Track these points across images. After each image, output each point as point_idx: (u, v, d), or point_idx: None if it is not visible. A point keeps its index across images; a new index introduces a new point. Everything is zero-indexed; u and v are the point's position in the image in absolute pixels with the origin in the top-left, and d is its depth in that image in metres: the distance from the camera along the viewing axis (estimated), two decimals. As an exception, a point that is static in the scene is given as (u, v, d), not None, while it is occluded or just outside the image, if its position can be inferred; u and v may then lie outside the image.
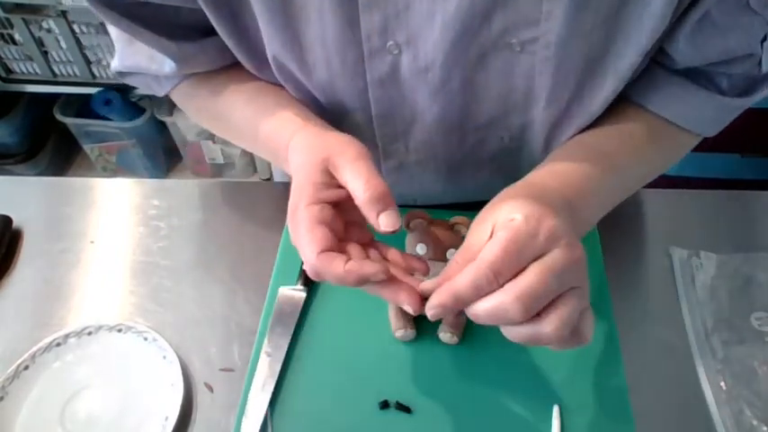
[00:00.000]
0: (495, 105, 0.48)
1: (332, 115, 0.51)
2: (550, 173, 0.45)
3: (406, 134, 0.52)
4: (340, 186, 0.40)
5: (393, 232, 0.38)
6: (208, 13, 0.44)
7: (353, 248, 0.40)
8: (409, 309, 0.38)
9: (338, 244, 0.39)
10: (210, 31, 0.47)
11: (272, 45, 0.45)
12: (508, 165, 0.56)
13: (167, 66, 0.50)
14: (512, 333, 0.36)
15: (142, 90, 0.56)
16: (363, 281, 0.37)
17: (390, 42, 0.43)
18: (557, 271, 0.34)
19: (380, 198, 0.38)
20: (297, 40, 0.44)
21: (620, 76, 0.46)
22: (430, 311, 0.37)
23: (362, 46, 0.43)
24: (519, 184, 0.43)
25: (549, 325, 0.34)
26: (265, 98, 0.51)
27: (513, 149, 0.53)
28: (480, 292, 0.34)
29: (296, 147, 0.44)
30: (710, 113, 0.50)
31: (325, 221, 0.38)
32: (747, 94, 0.48)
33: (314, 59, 0.45)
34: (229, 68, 0.53)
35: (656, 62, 0.49)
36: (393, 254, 0.41)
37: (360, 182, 0.38)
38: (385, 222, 0.38)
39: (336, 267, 0.37)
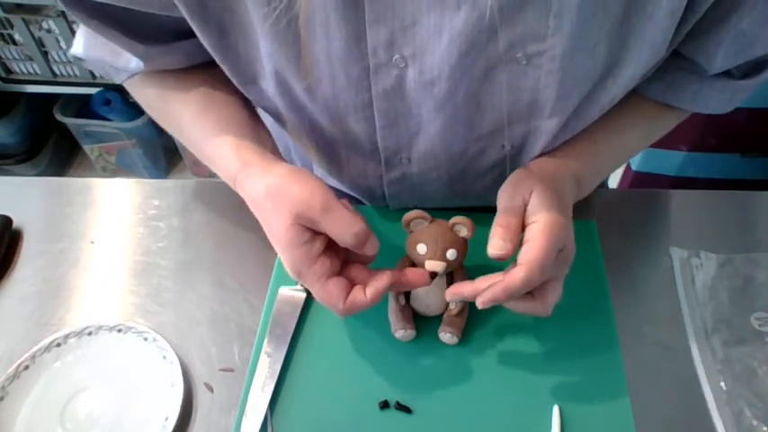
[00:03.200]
0: (499, 117, 0.48)
1: (334, 129, 0.51)
2: (569, 151, 0.52)
3: (410, 146, 0.52)
4: (320, 232, 0.44)
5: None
6: (194, 27, 0.44)
7: (357, 271, 0.46)
8: (424, 283, 0.48)
9: (347, 281, 0.45)
10: (183, 35, 0.47)
11: (275, 60, 0.44)
12: (508, 172, 0.56)
13: (133, 62, 0.50)
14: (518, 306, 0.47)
15: (102, 75, 0.56)
16: (384, 294, 0.45)
17: (396, 56, 0.43)
18: (562, 275, 0.47)
19: (363, 240, 0.43)
20: (301, 55, 0.44)
21: (621, 86, 0.46)
22: (481, 304, 0.45)
23: (368, 60, 0.43)
24: (545, 161, 0.51)
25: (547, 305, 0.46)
26: (208, 119, 0.51)
27: (513, 156, 0.54)
28: (529, 288, 0.44)
29: (249, 199, 0.46)
30: (727, 97, 0.53)
31: (330, 273, 0.44)
32: (752, 75, 0.51)
33: (318, 74, 0.45)
34: (180, 70, 0.52)
35: (682, 67, 0.51)
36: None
37: (342, 234, 0.43)
38: (369, 251, 0.45)
39: (362, 302, 0.44)
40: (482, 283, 0.46)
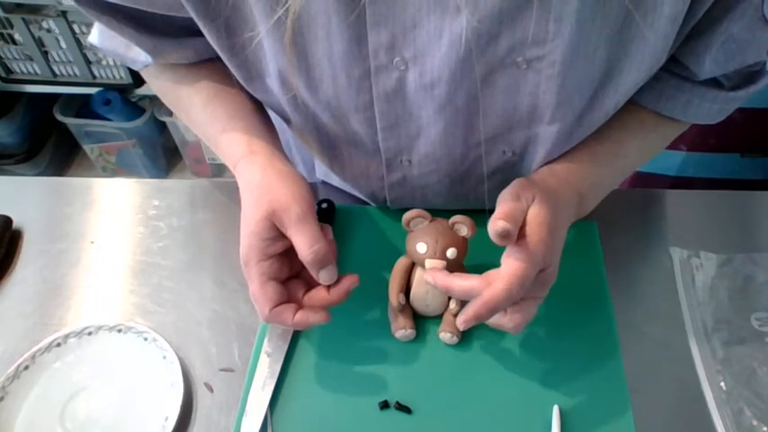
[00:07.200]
0: (499, 121, 0.48)
1: (337, 128, 0.51)
2: (570, 166, 0.52)
3: (411, 148, 0.52)
4: (286, 236, 0.45)
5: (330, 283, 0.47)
6: (201, 26, 0.44)
7: (301, 289, 0.48)
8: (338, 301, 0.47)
9: (286, 292, 0.46)
10: (193, 32, 0.47)
11: (278, 60, 0.45)
12: (510, 178, 0.56)
13: (143, 56, 0.51)
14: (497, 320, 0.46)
15: (120, 62, 0.56)
16: (310, 327, 0.46)
17: (397, 58, 0.43)
18: (540, 297, 0.47)
19: (321, 260, 0.44)
20: (303, 56, 0.44)
21: (623, 93, 0.47)
22: (463, 325, 0.45)
23: (369, 62, 0.43)
24: (547, 176, 0.50)
25: (514, 321, 0.46)
26: (219, 105, 0.52)
27: (515, 163, 0.54)
28: (511, 301, 0.43)
29: (243, 182, 0.48)
30: (717, 107, 0.53)
31: (274, 275, 0.45)
32: (742, 87, 0.51)
33: (320, 75, 0.45)
34: (191, 63, 0.53)
35: (673, 73, 0.50)
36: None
37: (303, 245, 0.43)
38: (323, 278, 0.46)
39: (286, 320, 0.45)
40: (454, 280, 0.45)
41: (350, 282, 0.47)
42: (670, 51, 0.45)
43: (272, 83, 0.48)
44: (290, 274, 0.48)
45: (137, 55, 0.51)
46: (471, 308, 0.43)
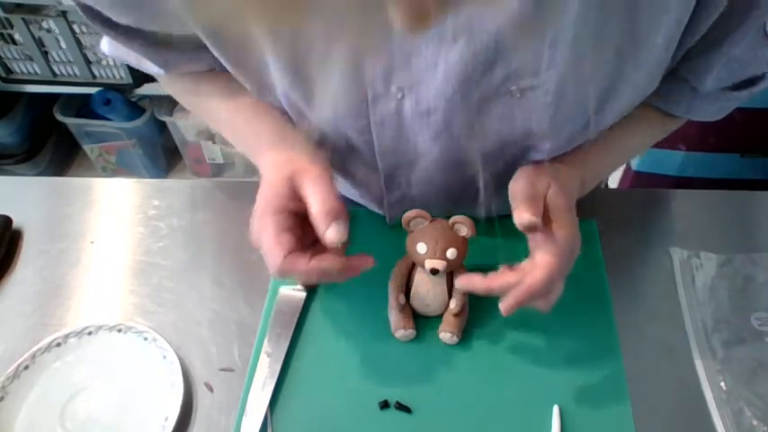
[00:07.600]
0: (494, 146, 0.49)
1: (339, 144, 0.52)
2: (574, 152, 0.51)
3: (408, 170, 0.53)
4: (302, 201, 0.44)
5: (337, 244, 0.42)
6: (211, 48, 0.45)
7: (308, 256, 0.44)
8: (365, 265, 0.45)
9: (299, 245, 0.43)
10: (201, 46, 0.48)
11: (281, 83, 0.46)
12: (507, 190, 0.57)
13: (155, 68, 0.51)
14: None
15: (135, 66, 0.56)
16: (326, 274, 0.43)
17: (394, 87, 0.43)
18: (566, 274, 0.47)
19: (331, 212, 0.42)
20: (304, 81, 0.45)
21: (618, 113, 0.47)
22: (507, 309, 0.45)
23: (366, 89, 0.44)
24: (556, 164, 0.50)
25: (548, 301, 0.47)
26: (242, 101, 0.52)
27: (510, 176, 0.54)
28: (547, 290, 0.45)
29: (267, 166, 0.47)
30: (719, 105, 0.53)
31: (289, 229, 0.43)
32: (744, 88, 0.51)
33: (320, 99, 0.46)
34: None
35: (676, 78, 0.51)
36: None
37: (315, 197, 0.42)
38: (332, 235, 0.42)
39: (301, 267, 0.42)
40: (494, 280, 0.46)
41: (363, 260, 0.45)
42: (666, 70, 0.46)
43: (281, 99, 0.49)
44: (301, 241, 0.45)
45: (149, 67, 0.51)
46: (513, 295, 0.44)
